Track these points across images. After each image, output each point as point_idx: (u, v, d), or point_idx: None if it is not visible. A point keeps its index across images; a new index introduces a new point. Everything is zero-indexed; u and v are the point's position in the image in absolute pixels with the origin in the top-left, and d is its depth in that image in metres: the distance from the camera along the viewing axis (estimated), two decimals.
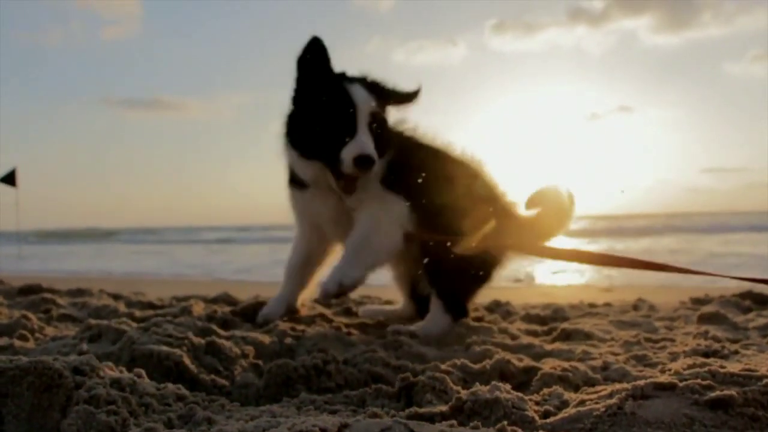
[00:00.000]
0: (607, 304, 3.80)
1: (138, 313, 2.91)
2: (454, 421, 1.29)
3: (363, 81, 2.37)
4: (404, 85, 2.48)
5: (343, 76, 2.35)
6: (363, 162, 2.19)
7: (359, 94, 2.28)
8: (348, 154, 2.20)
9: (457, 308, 2.54)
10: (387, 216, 2.39)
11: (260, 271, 9.11)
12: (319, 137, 2.28)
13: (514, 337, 2.44)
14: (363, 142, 2.21)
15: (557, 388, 1.56)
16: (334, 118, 2.25)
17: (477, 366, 1.88)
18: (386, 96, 2.40)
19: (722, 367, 1.44)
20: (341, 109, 2.24)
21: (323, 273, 2.65)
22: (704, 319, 2.79)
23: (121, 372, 1.56)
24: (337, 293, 2.24)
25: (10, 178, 12.55)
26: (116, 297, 3.73)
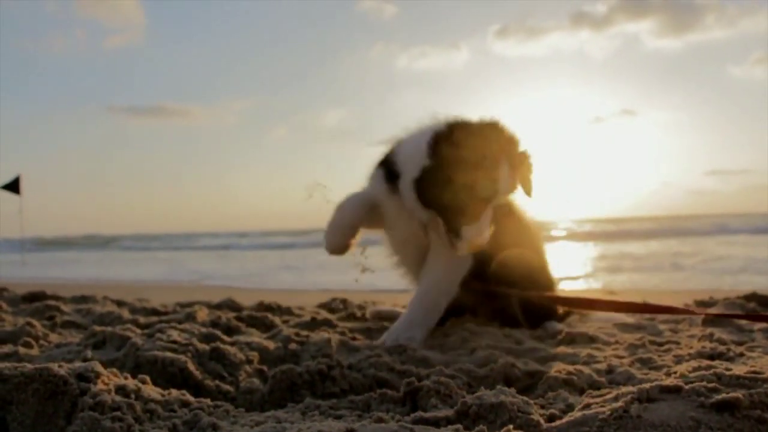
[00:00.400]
0: None
1: (142, 319, 2.92)
2: (459, 426, 1.29)
3: (509, 153, 2.35)
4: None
5: (493, 139, 2.32)
6: (476, 248, 2.34)
7: (503, 183, 2.30)
8: (466, 235, 2.29)
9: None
10: (452, 272, 2.55)
11: (264, 277, 9.12)
12: (448, 202, 2.31)
13: (518, 341, 2.43)
14: (482, 231, 2.30)
15: (562, 392, 1.55)
16: (469, 201, 2.28)
17: (482, 370, 1.87)
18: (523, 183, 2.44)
19: (728, 369, 1.43)
20: (481, 191, 2.28)
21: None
22: (709, 321, 2.78)
23: (125, 378, 1.56)
24: (395, 349, 2.22)
25: (14, 186, 12.58)
26: (120, 303, 3.74)
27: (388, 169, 2.51)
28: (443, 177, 2.29)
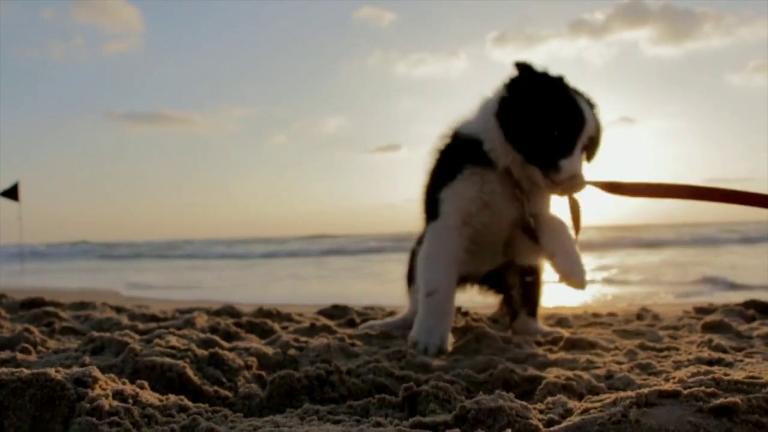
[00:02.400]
0: (611, 314, 3.79)
1: (141, 325, 2.91)
2: (458, 430, 1.28)
3: (584, 97, 2.37)
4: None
5: (567, 86, 2.33)
6: (576, 183, 2.29)
7: (588, 113, 2.30)
8: (565, 167, 2.24)
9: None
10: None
11: (263, 285, 9.11)
12: (541, 143, 2.27)
13: (518, 347, 2.43)
14: (578, 163, 2.27)
15: (561, 397, 1.55)
16: (562, 130, 2.25)
17: (481, 375, 1.87)
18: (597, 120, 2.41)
19: (726, 374, 1.43)
20: (571, 123, 2.26)
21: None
22: (708, 327, 2.78)
23: (123, 384, 1.55)
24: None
25: (12, 193, 12.59)
26: (119, 310, 3.73)
27: (465, 157, 2.41)
28: (527, 106, 2.26)
